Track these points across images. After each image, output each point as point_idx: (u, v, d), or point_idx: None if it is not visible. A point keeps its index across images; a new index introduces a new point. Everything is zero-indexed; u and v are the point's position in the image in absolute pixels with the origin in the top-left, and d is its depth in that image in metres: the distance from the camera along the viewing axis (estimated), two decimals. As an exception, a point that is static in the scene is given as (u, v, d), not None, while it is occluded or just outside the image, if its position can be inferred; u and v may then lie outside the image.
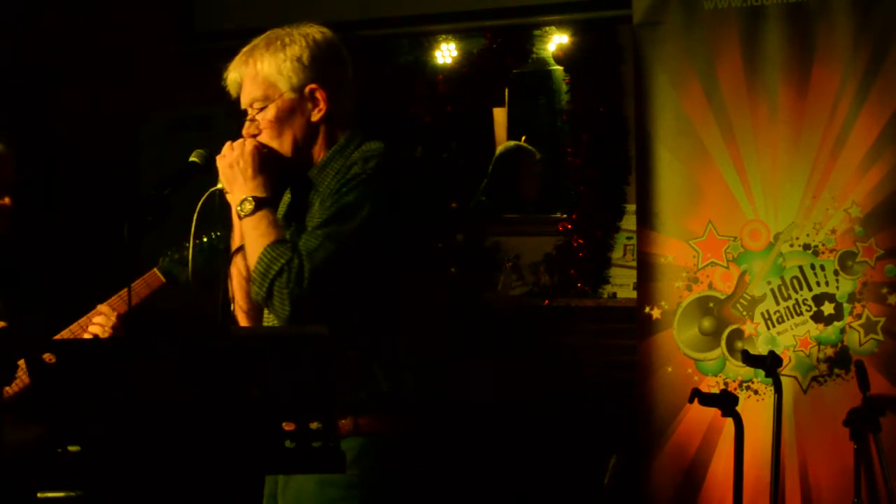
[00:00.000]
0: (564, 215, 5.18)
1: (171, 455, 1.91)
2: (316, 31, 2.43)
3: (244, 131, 2.42)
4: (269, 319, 2.42)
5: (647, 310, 4.07)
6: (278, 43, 2.39)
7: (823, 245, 3.87)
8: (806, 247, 3.89)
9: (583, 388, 4.78)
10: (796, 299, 3.90)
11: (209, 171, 2.43)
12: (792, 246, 3.91)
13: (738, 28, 3.94)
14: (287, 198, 2.52)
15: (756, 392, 3.92)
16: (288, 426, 1.87)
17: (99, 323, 2.90)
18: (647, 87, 4.08)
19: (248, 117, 2.41)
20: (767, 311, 3.93)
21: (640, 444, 4.07)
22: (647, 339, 4.07)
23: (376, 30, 5.31)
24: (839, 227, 3.84)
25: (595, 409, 4.67)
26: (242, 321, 2.46)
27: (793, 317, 3.90)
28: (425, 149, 5.36)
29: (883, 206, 3.79)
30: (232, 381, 1.88)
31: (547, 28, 5.38)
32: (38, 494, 2.67)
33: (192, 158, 2.45)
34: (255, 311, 2.46)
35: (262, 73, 2.37)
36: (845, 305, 3.84)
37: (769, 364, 3.60)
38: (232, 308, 2.46)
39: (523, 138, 5.92)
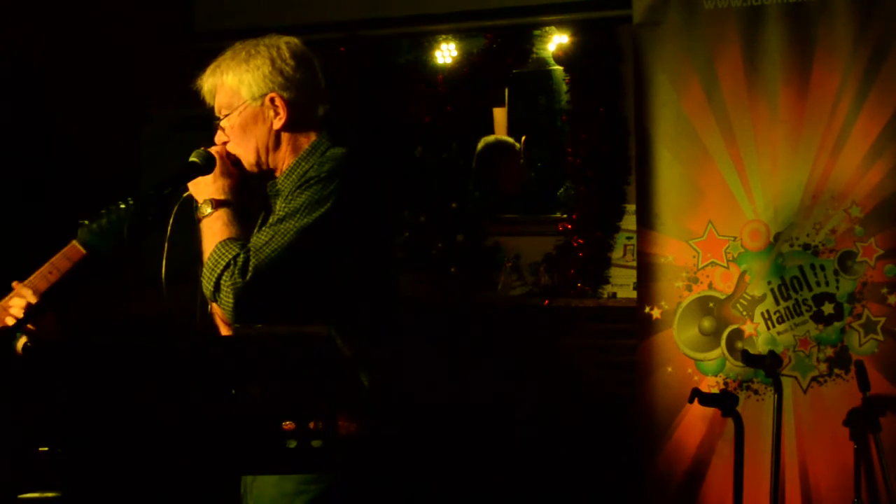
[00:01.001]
0: (564, 215, 5.18)
1: (167, 455, 1.91)
2: (282, 42, 2.49)
3: (215, 138, 2.51)
4: None
5: (647, 310, 4.07)
6: (243, 54, 2.48)
7: (823, 245, 3.87)
8: (806, 247, 3.90)
9: (583, 388, 4.78)
10: (796, 299, 3.90)
11: (209, 171, 2.45)
12: (792, 246, 3.91)
13: (738, 28, 3.94)
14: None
15: (756, 392, 3.92)
16: (287, 425, 1.88)
17: (17, 305, 2.80)
18: (647, 87, 4.08)
19: (218, 125, 2.51)
20: (767, 311, 3.93)
21: (640, 444, 4.08)
22: (647, 339, 4.08)
23: (376, 30, 5.32)
24: (839, 227, 3.85)
25: (595, 409, 4.67)
26: (221, 323, 2.48)
27: (793, 317, 3.90)
28: (425, 149, 5.37)
29: (883, 206, 3.79)
30: (231, 380, 1.88)
31: (547, 28, 5.38)
32: (19, 496, 2.67)
33: (192, 158, 2.46)
34: None
35: (226, 83, 2.49)
36: (845, 305, 3.84)
37: (769, 364, 3.60)
38: (209, 310, 2.49)
39: (523, 138, 5.92)
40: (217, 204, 2.41)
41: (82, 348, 2.09)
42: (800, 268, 3.90)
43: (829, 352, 3.85)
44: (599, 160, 5.04)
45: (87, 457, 1.93)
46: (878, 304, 3.80)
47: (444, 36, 5.63)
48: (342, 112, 4.03)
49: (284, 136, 2.47)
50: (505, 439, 4.73)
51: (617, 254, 5.01)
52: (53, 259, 2.81)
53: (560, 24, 5.25)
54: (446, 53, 5.73)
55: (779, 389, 3.60)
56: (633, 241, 4.51)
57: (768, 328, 3.93)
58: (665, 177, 4.06)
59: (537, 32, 5.46)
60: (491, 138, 5.78)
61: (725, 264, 3.99)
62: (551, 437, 4.68)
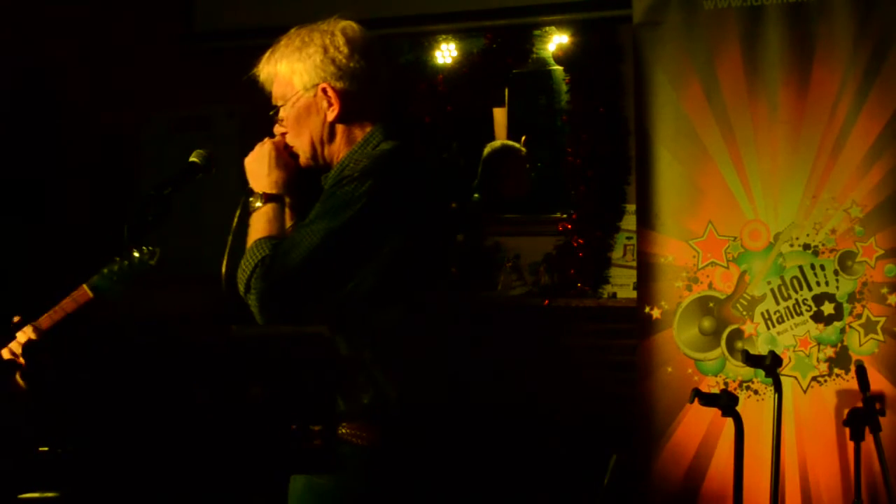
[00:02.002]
0: (564, 215, 5.18)
1: (169, 455, 1.91)
2: (337, 28, 2.39)
3: (274, 129, 2.42)
4: None
5: (647, 310, 4.07)
6: (297, 41, 2.37)
7: (823, 245, 3.87)
8: (806, 247, 3.90)
9: (583, 388, 4.78)
10: (796, 299, 3.90)
11: (209, 171, 2.44)
12: (792, 246, 3.91)
13: (738, 28, 3.94)
14: None
15: (756, 392, 3.92)
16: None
17: (18, 342, 2.89)
18: (647, 87, 4.08)
19: (278, 116, 2.41)
20: (767, 311, 3.93)
21: (640, 444, 4.07)
22: (647, 339, 4.08)
23: (376, 30, 5.27)
24: (839, 227, 3.85)
25: (595, 409, 4.67)
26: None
27: (793, 317, 3.90)
28: (425, 149, 5.37)
29: (883, 206, 3.79)
30: (233, 381, 1.88)
31: (547, 28, 5.38)
32: (19, 496, 2.68)
33: (192, 158, 2.46)
34: None
35: (280, 73, 2.38)
36: (845, 305, 3.84)
37: (769, 364, 3.59)
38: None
39: (523, 138, 5.92)
40: (267, 198, 2.34)
41: (85, 349, 2.10)
42: (800, 268, 3.90)
43: (829, 352, 3.85)
44: (599, 160, 5.04)
45: (87, 457, 1.93)
46: (878, 304, 3.80)
47: (444, 36, 5.64)
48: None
49: (339, 128, 2.37)
50: (504, 439, 4.72)
51: (617, 254, 5.01)
52: (62, 301, 2.89)
53: (560, 24, 5.26)
54: (446, 53, 5.73)
55: (779, 389, 3.60)
56: (633, 241, 4.51)
57: (768, 328, 3.93)
58: (665, 177, 4.06)
59: (537, 32, 5.46)
60: (497, 143, 5.78)
61: (725, 264, 3.99)
62: (551, 437, 4.67)
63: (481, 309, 5.02)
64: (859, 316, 3.82)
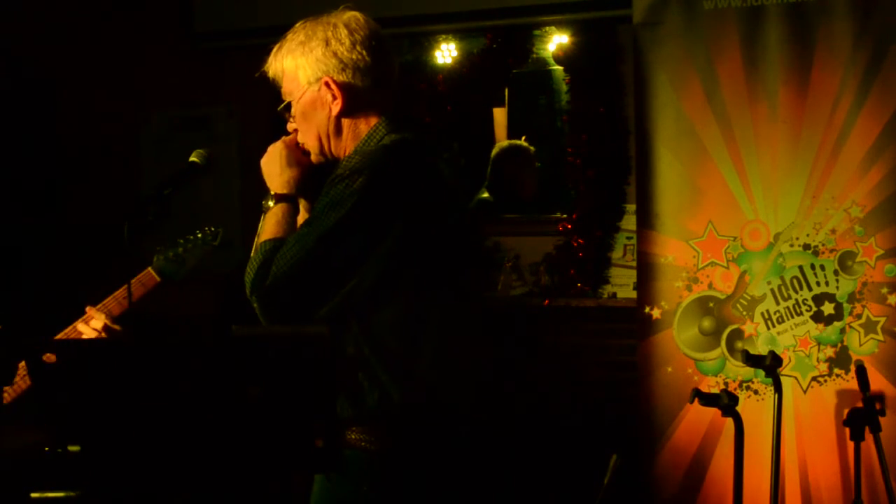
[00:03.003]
0: (564, 215, 5.18)
1: (171, 455, 1.91)
2: (340, 20, 2.33)
3: (287, 126, 2.39)
4: None
5: (647, 310, 4.07)
6: (301, 35, 2.32)
7: (823, 245, 3.87)
8: (806, 247, 3.90)
9: (583, 388, 4.78)
10: (796, 299, 3.90)
11: (209, 171, 2.44)
12: (792, 246, 3.91)
13: (738, 28, 3.94)
14: None
15: (756, 392, 3.92)
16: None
17: (94, 327, 2.86)
18: (647, 87, 4.08)
19: (285, 112, 2.38)
20: (767, 311, 3.93)
21: (640, 444, 4.07)
22: (647, 339, 4.08)
23: (376, 30, 5.31)
24: (839, 227, 3.85)
25: (595, 409, 4.67)
26: None
27: (793, 317, 3.90)
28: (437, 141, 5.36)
29: (883, 206, 3.79)
30: (232, 380, 1.88)
31: (547, 28, 5.39)
32: (33, 495, 2.68)
33: (192, 158, 2.46)
34: None
35: (286, 68, 2.34)
36: (845, 305, 3.84)
37: (769, 364, 3.59)
38: None
39: (523, 138, 5.92)
40: (279, 199, 2.30)
41: (99, 347, 2.10)
42: (800, 268, 3.90)
43: (829, 352, 3.85)
44: (599, 160, 5.04)
45: (98, 457, 1.92)
46: (878, 304, 3.80)
47: (444, 36, 5.64)
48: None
49: (345, 122, 2.31)
50: (504, 439, 4.72)
51: (617, 254, 5.02)
52: (128, 284, 2.88)
53: (560, 24, 5.26)
54: (446, 53, 5.74)
55: (779, 389, 3.60)
56: (633, 241, 4.51)
57: (768, 328, 3.93)
58: (665, 177, 4.06)
59: (537, 32, 5.47)
60: (505, 143, 5.78)
61: (725, 264, 3.99)
62: (551, 437, 4.68)
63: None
64: (859, 316, 3.82)
